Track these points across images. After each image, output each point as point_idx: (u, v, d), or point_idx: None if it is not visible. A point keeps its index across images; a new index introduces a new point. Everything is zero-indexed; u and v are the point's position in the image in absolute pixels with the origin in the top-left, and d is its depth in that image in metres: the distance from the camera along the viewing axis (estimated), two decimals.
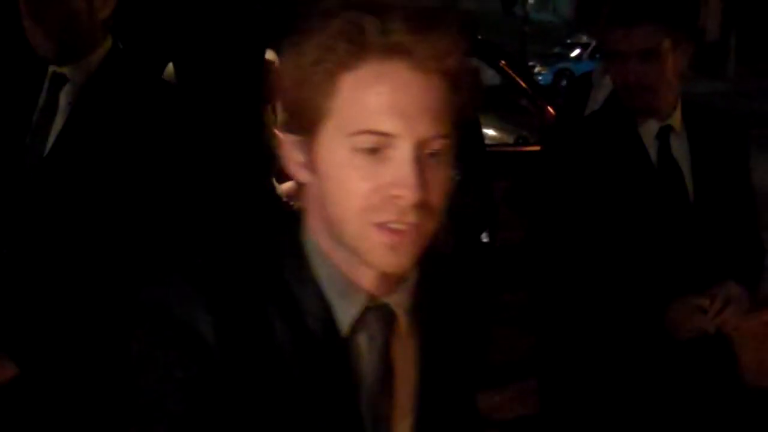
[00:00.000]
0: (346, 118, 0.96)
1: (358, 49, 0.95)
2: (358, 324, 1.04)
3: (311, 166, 1.01)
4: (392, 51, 0.95)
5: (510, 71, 4.80)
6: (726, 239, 2.10)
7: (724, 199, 2.10)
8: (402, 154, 0.96)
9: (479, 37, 5.19)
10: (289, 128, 1.03)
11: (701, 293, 1.98)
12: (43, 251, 1.86)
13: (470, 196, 3.77)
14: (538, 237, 2.26)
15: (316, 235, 1.04)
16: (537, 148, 4.33)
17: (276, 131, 1.02)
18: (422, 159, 0.97)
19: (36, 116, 1.93)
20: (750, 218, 2.20)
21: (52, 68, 1.94)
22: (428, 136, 0.97)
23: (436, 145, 0.99)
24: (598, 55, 21.35)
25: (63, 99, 1.92)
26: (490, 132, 5.97)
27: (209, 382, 0.95)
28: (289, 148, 1.04)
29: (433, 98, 0.97)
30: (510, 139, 5.63)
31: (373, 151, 0.96)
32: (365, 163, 0.96)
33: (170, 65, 4.15)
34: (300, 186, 1.06)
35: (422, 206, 0.97)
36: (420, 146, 0.97)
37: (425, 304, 1.11)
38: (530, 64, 19.47)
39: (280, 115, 0.98)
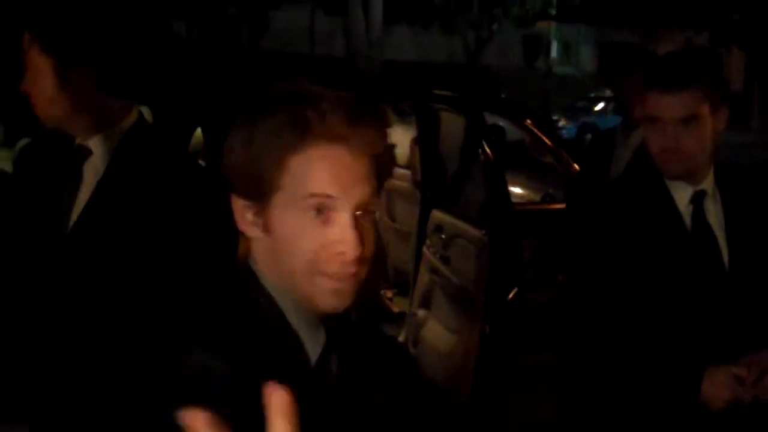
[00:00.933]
0: (295, 188, 1.15)
1: (302, 136, 1.14)
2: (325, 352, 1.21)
3: (263, 225, 1.18)
4: (332, 138, 1.14)
5: (535, 129, 4.80)
6: (761, 306, 2.03)
7: (759, 264, 2.04)
8: (343, 218, 1.15)
9: (503, 96, 5.23)
10: (240, 194, 1.20)
11: (736, 362, 1.93)
12: (65, 319, 1.86)
13: (498, 256, 3.78)
14: (570, 301, 2.22)
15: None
16: (563, 205, 4.32)
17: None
18: (358, 220, 1.16)
19: (61, 189, 1.91)
20: None
21: (78, 140, 1.94)
22: (362, 201, 1.16)
23: (369, 207, 1.18)
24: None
25: (87, 171, 1.91)
26: (516, 190, 5.98)
27: None
28: (240, 210, 1.21)
29: (365, 173, 1.17)
30: (537, 197, 5.64)
31: (320, 211, 1.15)
32: (313, 225, 1.15)
33: (198, 130, 4.23)
34: (249, 240, 1.23)
35: (360, 259, 1.16)
36: (356, 209, 1.16)
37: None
38: (554, 118, 19.51)
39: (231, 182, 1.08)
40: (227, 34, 26.09)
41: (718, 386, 1.90)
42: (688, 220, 2.04)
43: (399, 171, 5.35)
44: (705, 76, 1.98)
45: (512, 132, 6.04)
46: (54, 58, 1.82)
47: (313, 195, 1.14)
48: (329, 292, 1.16)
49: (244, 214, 1.20)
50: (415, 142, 4.86)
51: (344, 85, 3.61)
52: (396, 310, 5.13)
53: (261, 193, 1.17)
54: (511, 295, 3.73)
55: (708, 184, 2.06)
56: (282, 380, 0.87)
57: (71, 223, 1.88)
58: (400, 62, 26.39)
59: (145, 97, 2.00)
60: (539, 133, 4.76)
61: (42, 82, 1.84)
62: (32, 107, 1.87)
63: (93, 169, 1.90)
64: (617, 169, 3.61)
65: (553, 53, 27.92)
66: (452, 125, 4.56)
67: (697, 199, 2.05)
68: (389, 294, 5.41)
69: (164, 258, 1.84)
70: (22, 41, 1.85)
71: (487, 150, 3.99)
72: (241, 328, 1.16)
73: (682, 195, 2.05)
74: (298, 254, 1.15)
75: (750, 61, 30.10)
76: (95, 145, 1.90)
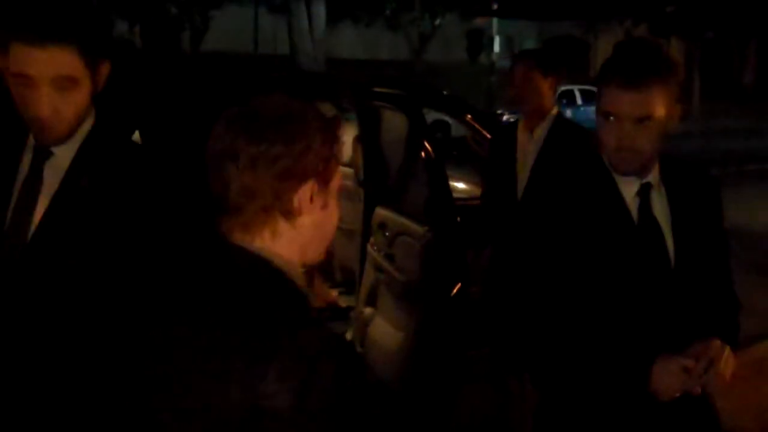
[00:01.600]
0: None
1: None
2: None
3: (323, 202, 1.40)
4: None
5: (476, 124, 4.84)
6: (705, 296, 2.07)
7: (702, 255, 2.07)
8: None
9: (444, 92, 5.26)
10: (312, 180, 1.36)
11: (683, 352, 1.95)
12: (33, 320, 1.86)
13: (441, 252, 3.80)
14: (512, 292, 2.24)
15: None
16: None
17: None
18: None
19: (18, 189, 1.90)
20: (726, 273, 2.17)
21: (33, 140, 1.93)
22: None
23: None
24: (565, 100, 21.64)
25: (48, 172, 1.90)
26: (459, 185, 6.01)
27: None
28: (306, 192, 1.36)
29: None
30: (479, 192, 5.67)
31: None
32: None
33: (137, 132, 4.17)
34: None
35: None
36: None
37: None
38: (498, 112, 19.67)
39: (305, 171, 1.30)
40: (169, 34, 25.76)
41: (667, 377, 1.91)
42: (634, 212, 2.05)
43: (342, 169, 5.34)
44: (664, 73, 1.95)
45: (457, 127, 6.06)
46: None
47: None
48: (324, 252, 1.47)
49: (308, 196, 1.37)
50: (358, 140, 4.85)
51: (285, 84, 3.61)
52: (343, 305, 5.12)
53: (328, 179, 1.39)
54: (455, 291, 3.75)
55: (654, 177, 2.07)
56: None
57: (35, 221, 1.88)
58: (344, 60, 26.34)
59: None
60: (480, 128, 4.81)
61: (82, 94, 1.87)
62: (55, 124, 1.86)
63: (54, 170, 1.90)
64: (526, 162, 3.70)
65: (496, 47, 28.04)
66: (394, 122, 4.56)
67: (644, 191, 2.05)
68: (334, 293, 5.40)
69: (132, 252, 1.88)
70: None
71: (428, 147, 4.00)
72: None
73: (628, 188, 2.06)
74: (334, 222, 1.45)
75: (689, 50, 30.70)
76: (57, 146, 1.90)
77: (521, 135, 3.81)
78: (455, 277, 3.86)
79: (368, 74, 4.94)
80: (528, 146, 3.75)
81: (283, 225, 1.36)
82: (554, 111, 3.78)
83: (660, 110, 1.94)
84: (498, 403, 4.04)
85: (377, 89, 4.36)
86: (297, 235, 1.38)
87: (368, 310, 4.34)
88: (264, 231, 1.35)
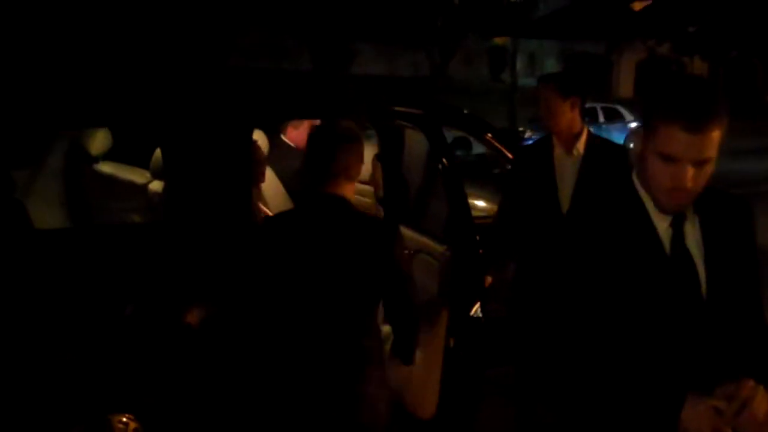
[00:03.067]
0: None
1: None
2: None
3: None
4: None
5: (495, 142, 4.82)
6: (738, 329, 2.03)
7: (736, 287, 2.04)
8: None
9: (465, 111, 5.25)
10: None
11: (715, 391, 1.90)
12: None
13: (460, 271, 3.80)
14: (543, 313, 2.20)
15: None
16: None
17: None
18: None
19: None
20: (758, 304, 2.10)
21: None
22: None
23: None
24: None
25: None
26: (480, 203, 6.00)
27: None
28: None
29: None
30: None
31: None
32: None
33: (157, 151, 4.21)
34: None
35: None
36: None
37: None
38: (520, 129, 19.66)
39: None
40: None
41: (698, 418, 1.87)
42: (667, 244, 2.01)
43: (361, 187, 5.34)
44: (724, 114, 1.90)
45: (477, 145, 6.07)
46: None
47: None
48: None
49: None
50: (377, 158, 4.85)
51: (310, 101, 3.61)
52: None
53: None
54: (474, 309, 3.74)
55: (688, 208, 2.02)
56: None
57: None
58: (365, 76, 26.42)
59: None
60: (501, 147, 4.79)
61: None
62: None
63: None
64: (564, 178, 3.70)
65: (518, 65, 28.08)
66: (414, 141, 4.58)
67: (677, 223, 2.02)
68: None
69: None
70: None
71: (447, 165, 4.01)
72: None
73: (661, 219, 2.02)
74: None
75: (712, 69, 30.56)
76: None
77: (558, 151, 3.83)
78: (474, 296, 3.86)
79: (388, 91, 4.94)
80: (566, 163, 3.77)
81: (348, 185, 2.77)
82: (584, 129, 3.81)
83: (717, 150, 1.91)
84: (520, 425, 4.01)
85: (397, 108, 4.37)
86: (353, 189, 2.79)
87: (386, 328, 4.33)
88: (345, 187, 2.75)
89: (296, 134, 5.24)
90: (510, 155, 4.52)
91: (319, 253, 2.68)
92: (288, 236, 2.75)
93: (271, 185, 4.72)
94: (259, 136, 4.64)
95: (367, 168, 5.23)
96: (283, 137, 5.30)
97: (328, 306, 2.67)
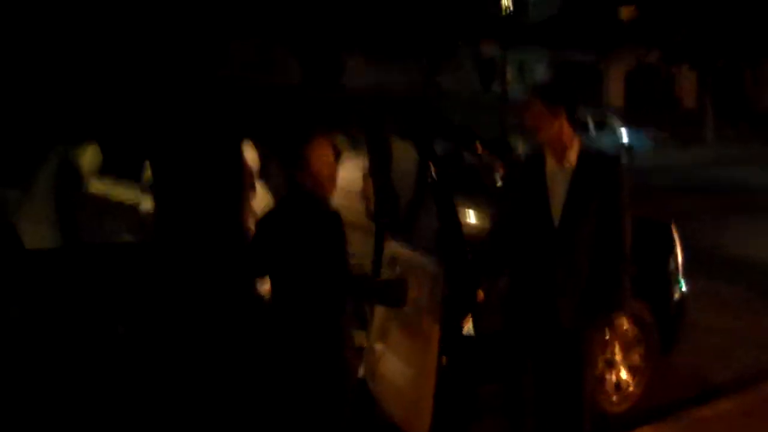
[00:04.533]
0: None
1: None
2: None
3: None
4: None
5: (487, 153, 4.81)
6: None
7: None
8: None
9: (454, 122, 5.23)
10: None
11: None
12: None
13: (452, 287, 3.78)
14: None
15: None
16: None
17: None
18: None
19: None
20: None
21: None
22: None
23: None
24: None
25: None
26: (471, 217, 5.98)
27: None
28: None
29: None
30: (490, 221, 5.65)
31: None
32: None
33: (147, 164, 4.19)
34: None
35: None
36: None
37: None
38: (511, 139, 19.68)
39: None
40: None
41: None
42: None
43: (352, 203, 5.33)
44: None
45: (468, 157, 6.05)
46: None
47: None
48: None
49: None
50: (369, 171, 4.84)
51: (299, 113, 3.65)
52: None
53: None
54: (465, 326, 3.72)
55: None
56: None
57: None
58: (356, 88, 26.40)
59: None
60: (492, 158, 4.78)
61: None
62: None
63: None
64: (555, 190, 3.71)
65: (508, 75, 28.17)
66: (404, 153, 4.56)
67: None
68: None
69: None
70: None
71: (437, 179, 4.00)
72: None
73: None
74: None
75: (701, 77, 30.67)
76: None
77: (550, 163, 3.81)
78: (466, 311, 3.85)
79: (379, 103, 4.95)
80: (558, 175, 3.75)
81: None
82: (576, 140, 3.78)
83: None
84: None
85: (387, 118, 4.36)
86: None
87: (379, 346, 4.32)
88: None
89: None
90: (502, 167, 4.52)
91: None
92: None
93: (261, 200, 4.71)
94: (248, 149, 4.63)
95: (357, 182, 5.24)
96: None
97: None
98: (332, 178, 3.29)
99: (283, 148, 3.34)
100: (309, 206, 3.22)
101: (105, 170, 5.09)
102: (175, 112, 3.63)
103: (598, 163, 3.74)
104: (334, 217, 3.25)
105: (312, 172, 3.22)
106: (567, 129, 3.75)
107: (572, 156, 3.73)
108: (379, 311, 4.32)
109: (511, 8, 28.54)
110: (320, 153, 3.24)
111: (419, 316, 3.85)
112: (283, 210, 3.31)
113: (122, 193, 4.76)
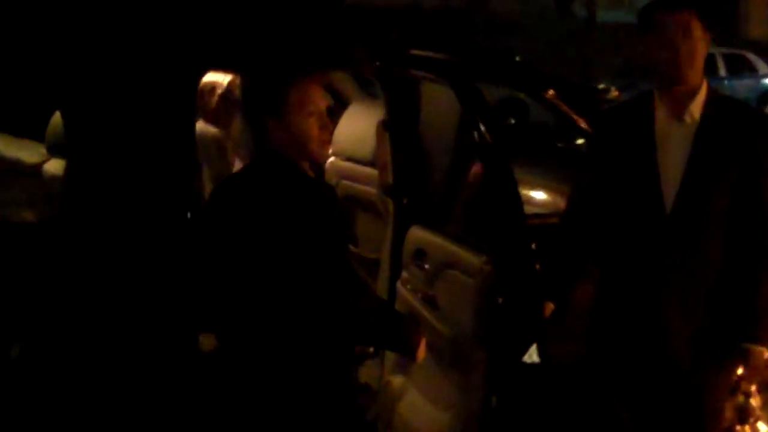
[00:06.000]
0: None
1: None
2: None
3: None
4: None
5: (563, 105, 4.79)
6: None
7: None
8: None
9: (517, 58, 5.24)
10: None
11: None
12: None
13: (508, 295, 3.80)
14: None
15: None
16: None
17: None
18: None
19: None
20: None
21: None
22: None
23: None
24: None
25: None
26: (538, 195, 5.99)
27: None
28: None
29: None
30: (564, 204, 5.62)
31: None
32: None
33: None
34: None
35: None
36: None
37: None
38: (599, 87, 19.58)
39: None
40: None
41: None
42: None
43: (360, 170, 5.33)
44: None
45: (537, 110, 6.03)
46: None
47: None
48: None
49: None
50: (384, 127, 4.85)
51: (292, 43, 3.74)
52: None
53: None
54: (527, 354, 3.76)
55: None
56: None
57: None
58: (371, 8, 26.40)
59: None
60: (571, 112, 4.76)
61: None
62: None
63: None
64: (669, 157, 3.68)
65: None
66: (439, 102, 4.60)
67: None
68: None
69: None
70: None
71: (489, 139, 4.03)
72: None
73: None
74: None
75: None
76: None
77: (662, 118, 3.76)
78: (529, 333, 3.87)
79: (404, 30, 4.90)
80: (674, 133, 3.71)
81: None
82: (704, 84, 3.76)
83: None
84: None
85: (415, 52, 4.39)
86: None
87: (398, 380, 4.35)
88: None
89: None
90: (584, 124, 4.51)
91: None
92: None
93: None
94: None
95: (368, 142, 5.26)
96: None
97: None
98: (322, 138, 3.21)
99: (251, 89, 3.33)
100: (284, 178, 3.14)
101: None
102: (94, 42, 3.65)
103: (735, 118, 3.71)
104: (325, 193, 3.21)
105: (291, 126, 3.16)
106: (701, 66, 3.71)
107: (696, 107, 3.70)
108: None
109: None
110: (306, 99, 3.17)
111: (457, 337, 3.90)
112: (242, 184, 3.24)
113: (19, 151, 4.82)
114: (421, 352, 3.38)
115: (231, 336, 3.18)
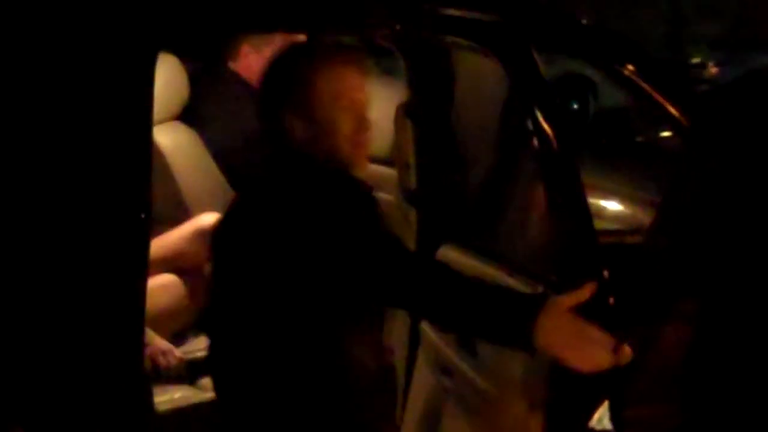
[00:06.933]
0: None
1: None
2: None
3: None
4: None
5: (646, 84, 4.79)
6: None
7: None
8: None
9: (583, 22, 5.24)
10: None
11: None
12: None
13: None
14: None
15: None
16: None
17: None
18: None
19: None
20: None
21: None
22: None
23: None
24: None
25: None
26: (612, 206, 6.01)
27: None
28: None
29: None
30: (648, 216, 5.66)
31: None
32: None
33: None
34: None
35: None
36: None
37: None
38: (693, 62, 19.76)
39: None
40: None
41: None
42: None
43: (374, 169, 5.32)
44: None
45: (610, 91, 6.06)
46: None
47: None
48: None
49: None
50: (405, 112, 4.83)
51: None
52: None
53: None
54: (595, 419, 3.71)
55: None
56: None
57: None
58: None
59: None
60: (656, 93, 4.76)
61: None
62: None
63: None
64: None
65: None
66: (478, 77, 4.60)
67: None
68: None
69: None
70: None
71: (548, 127, 3.99)
72: None
73: None
74: None
75: None
76: None
77: None
78: (598, 390, 3.81)
79: None
80: None
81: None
82: None
83: None
84: None
85: (446, 10, 4.32)
86: None
87: None
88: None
89: (256, 62, 5.44)
90: (677, 110, 4.50)
91: None
92: None
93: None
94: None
95: (384, 134, 5.24)
96: (231, 66, 5.63)
97: None
98: (358, 140, 3.29)
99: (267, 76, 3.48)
100: (310, 181, 3.22)
101: None
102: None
103: None
104: (364, 199, 3.27)
105: (317, 125, 3.22)
106: None
107: None
108: (423, 381, 4.45)
109: None
110: (338, 89, 3.22)
111: (504, 394, 3.91)
112: (261, 193, 3.38)
113: None
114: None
115: (237, 343, 3.45)
